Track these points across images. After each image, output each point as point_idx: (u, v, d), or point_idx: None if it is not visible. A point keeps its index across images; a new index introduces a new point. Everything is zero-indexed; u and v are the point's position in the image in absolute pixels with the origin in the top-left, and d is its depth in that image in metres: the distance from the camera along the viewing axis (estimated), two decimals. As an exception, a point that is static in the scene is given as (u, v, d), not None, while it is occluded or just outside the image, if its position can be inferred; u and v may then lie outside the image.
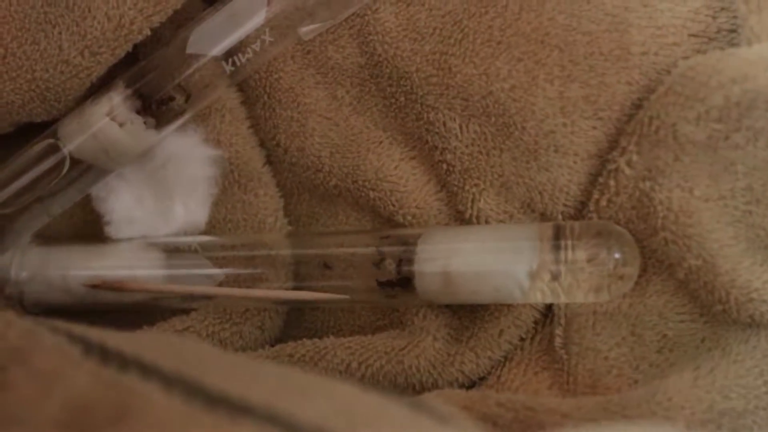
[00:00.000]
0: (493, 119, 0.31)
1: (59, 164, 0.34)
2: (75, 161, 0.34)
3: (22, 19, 0.33)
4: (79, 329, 0.21)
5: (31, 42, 0.33)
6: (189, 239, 0.35)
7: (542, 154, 0.31)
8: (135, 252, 0.34)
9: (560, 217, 0.32)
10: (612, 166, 0.30)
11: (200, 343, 0.31)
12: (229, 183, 0.35)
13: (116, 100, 0.33)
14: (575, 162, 0.31)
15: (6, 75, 0.33)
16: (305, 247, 0.34)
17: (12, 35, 0.33)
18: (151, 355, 0.20)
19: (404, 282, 0.31)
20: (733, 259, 0.28)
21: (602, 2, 0.30)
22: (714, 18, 0.30)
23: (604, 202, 0.30)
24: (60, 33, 0.33)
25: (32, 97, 0.34)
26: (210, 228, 0.35)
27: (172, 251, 0.35)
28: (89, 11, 0.33)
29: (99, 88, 0.34)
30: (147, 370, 0.19)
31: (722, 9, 0.30)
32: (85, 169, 0.34)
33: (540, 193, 0.32)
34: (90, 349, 0.20)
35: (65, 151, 0.34)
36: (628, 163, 0.30)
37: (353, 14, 0.34)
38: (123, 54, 0.34)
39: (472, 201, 0.33)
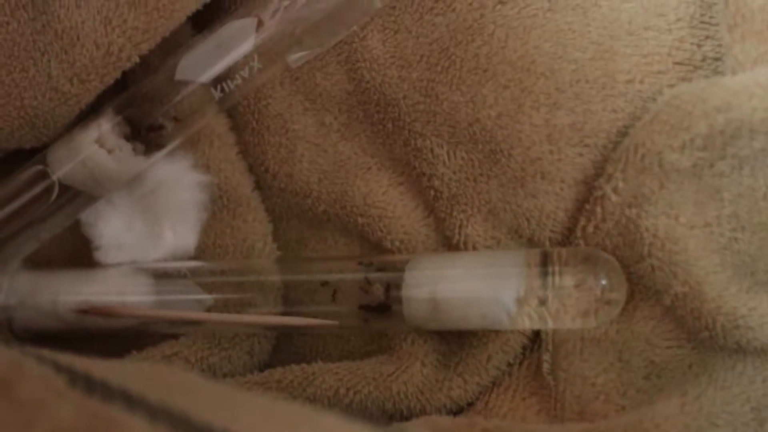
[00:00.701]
0: (480, 146, 0.31)
1: (48, 190, 0.34)
2: (64, 187, 0.34)
3: (11, 46, 0.33)
4: (66, 359, 0.21)
5: (20, 69, 0.33)
6: (178, 264, 0.35)
7: (529, 180, 0.31)
8: (124, 277, 0.34)
9: (547, 243, 0.32)
10: (598, 193, 0.30)
11: (187, 371, 0.31)
12: (218, 208, 0.35)
13: (105, 127, 0.33)
14: (562, 189, 0.31)
15: None
16: (294, 273, 0.34)
17: (1, 63, 0.33)
18: (137, 385, 0.20)
19: (391, 308, 0.30)
20: (719, 285, 0.28)
21: (588, 30, 0.31)
22: (699, 46, 0.30)
23: (590, 229, 0.30)
24: (49, 60, 0.33)
25: (21, 123, 0.34)
26: (199, 253, 0.35)
27: (161, 276, 0.34)
28: (78, 39, 0.33)
29: (88, 114, 0.34)
30: (132, 401, 0.19)
31: (707, 37, 0.30)
32: (74, 195, 0.34)
33: (527, 219, 0.32)
34: (75, 379, 0.20)
35: (54, 177, 0.34)
36: (614, 190, 0.30)
37: (341, 42, 0.34)
38: (112, 81, 0.34)
39: (460, 227, 0.33)
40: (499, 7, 0.32)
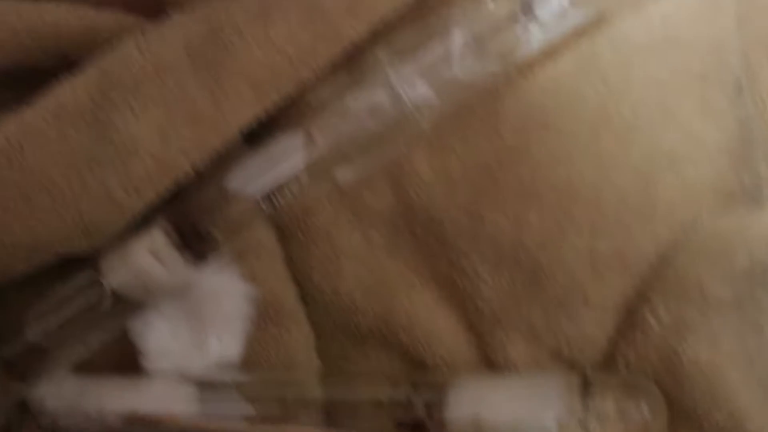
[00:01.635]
0: (523, 268, 0.32)
1: (100, 298, 0.35)
2: (115, 294, 0.34)
3: (70, 155, 0.34)
4: None
5: (77, 178, 0.34)
6: (222, 374, 0.36)
7: (571, 304, 0.32)
8: (169, 386, 0.35)
9: (588, 367, 0.33)
10: (640, 320, 0.31)
11: None
12: (263, 320, 0.36)
13: (157, 236, 0.34)
14: (603, 314, 0.32)
15: (52, 210, 0.34)
16: (336, 388, 0.34)
17: (60, 172, 0.34)
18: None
19: (432, 428, 0.31)
20: (761, 418, 0.29)
21: (630, 158, 0.31)
22: (739, 177, 0.31)
23: (631, 355, 0.31)
24: (106, 171, 0.34)
25: (76, 231, 0.34)
26: (243, 363, 0.36)
27: (206, 386, 0.35)
28: (135, 151, 0.34)
29: (141, 222, 0.35)
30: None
31: (747, 169, 0.31)
32: (125, 302, 0.35)
33: (568, 343, 0.32)
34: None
35: (106, 285, 0.35)
36: (656, 318, 0.30)
37: (389, 160, 0.34)
38: (166, 192, 0.34)
39: (502, 347, 0.33)
40: (543, 132, 0.33)
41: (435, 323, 0.34)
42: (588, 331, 0.32)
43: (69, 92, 0.34)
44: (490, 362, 0.34)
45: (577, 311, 0.32)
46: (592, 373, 0.32)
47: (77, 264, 0.35)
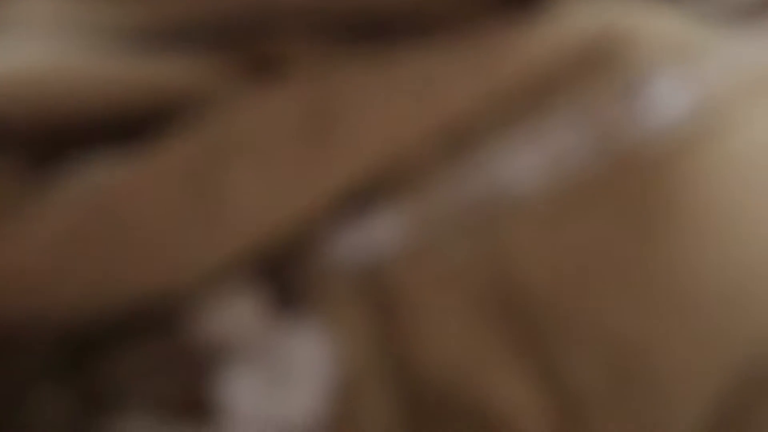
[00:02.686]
0: (623, 361, 0.32)
1: (184, 349, 0.36)
2: (199, 347, 0.36)
3: (173, 215, 0.35)
4: None
5: (176, 235, 0.35)
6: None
7: (669, 402, 0.33)
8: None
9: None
10: (738, 418, 0.31)
11: None
12: (348, 386, 0.36)
13: (250, 293, 0.35)
14: (700, 411, 0.32)
15: (148, 264, 0.35)
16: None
17: (161, 230, 0.35)
18: None
19: None
20: None
21: (752, 262, 0.32)
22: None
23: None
24: (206, 230, 0.35)
25: (170, 284, 0.35)
26: (323, 428, 0.36)
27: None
28: (235, 211, 0.35)
29: (235, 279, 0.35)
30: None
31: None
32: (209, 353, 0.36)
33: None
34: None
35: (192, 337, 0.36)
36: (757, 427, 0.30)
37: (490, 235, 0.34)
38: (262, 251, 0.35)
39: (591, 436, 0.33)
40: (658, 224, 0.33)
41: (524, 408, 0.34)
42: (682, 426, 0.32)
43: (175, 148, 0.34)
44: (579, 452, 0.33)
45: (675, 409, 0.32)
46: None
47: (163, 315, 0.35)
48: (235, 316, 0.34)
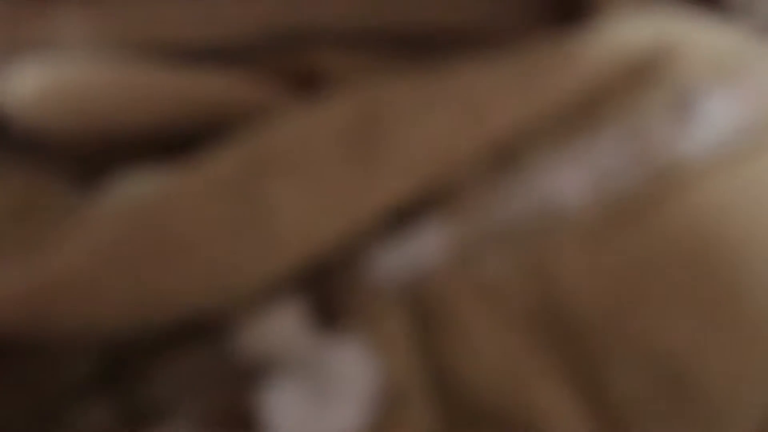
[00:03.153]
0: (667, 376, 0.32)
1: (228, 362, 0.36)
2: (241, 361, 0.36)
3: (216, 224, 0.35)
4: None
5: (220, 246, 0.35)
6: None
7: (713, 418, 0.32)
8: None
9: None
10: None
11: None
12: (388, 402, 0.36)
13: (292, 308, 0.35)
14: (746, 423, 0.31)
15: (192, 274, 0.35)
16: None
17: (204, 238, 0.35)
18: None
19: None
20: None
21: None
22: None
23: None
24: (248, 242, 0.35)
25: (213, 296, 0.36)
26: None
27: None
28: (280, 224, 0.35)
29: (276, 292, 0.35)
30: None
31: None
32: (250, 368, 0.36)
33: (700, 453, 0.32)
34: None
35: (234, 349, 0.36)
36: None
37: (535, 255, 0.34)
38: (304, 266, 0.35)
39: (631, 451, 0.32)
40: (702, 243, 0.34)
41: (568, 422, 0.33)
42: None
43: (220, 161, 0.35)
44: (621, 468, 0.33)
45: (718, 426, 0.31)
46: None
47: (209, 326, 0.36)
48: (280, 330, 0.35)
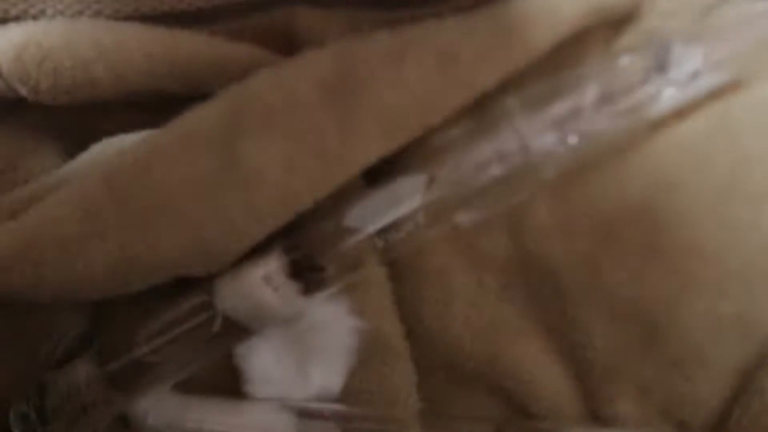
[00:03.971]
0: (638, 325, 0.32)
1: (210, 320, 0.35)
2: (225, 319, 0.35)
3: (197, 181, 0.34)
4: None
5: (202, 203, 0.34)
6: (322, 405, 0.36)
7: (686, 364, 0.32)
8: (270, 413, 0.36)
9: (698, 429, 0.32)
10: (757, 386, 0.31)
11: None
12: (367, 355, 0.36)
13: (272, 265, 0.35)
14: (719, 376, 0.32)
15: (174, 231, 0.34)
16: (434, 428, 0.34)
17: (185, 195, 0.34)
18: None
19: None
20: None
21: (758, 223, 0.32)
22: None
23: (745, 420, 0.31)
24: (230, 198, 0.34)
25: (194, 254, 0.35)
26: (343, 396, 0.36)
27: (305, 416, 0.35)
28: (260, 181, 0.34)
29: (257, 250, 0.35)
30: None
31: None
32: (234, 328, 0.35)
33: (680, 402, 0.32)
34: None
35: (217, 308, 0.35)
36: (775, 385, 0.30)
37: (509, 207, 0.35)
38: (285, 222, 0.34)
39: (610, 402, 0.33)
40: (670, 191, 0.33)
41: (542, 372, 0.34)
42: (701, 392, 0.32)
43: (200, 119, 0.34)
44: (597, 416, 0.33)
45: (692, 371, 0.32)
46: (703, 435, 0.31)
47: (191, 285, 0.36)
48: (257, 285, 0.35)
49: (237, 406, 0.36)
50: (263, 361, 0.36)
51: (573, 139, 0.33)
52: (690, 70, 0.32)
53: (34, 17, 0.37)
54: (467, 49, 0.33)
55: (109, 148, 0.37)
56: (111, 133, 0.38)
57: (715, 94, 0.33)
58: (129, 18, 0.38)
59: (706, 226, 0.33)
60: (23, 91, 0.36)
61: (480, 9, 0.34)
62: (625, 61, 0.33)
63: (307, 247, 0.35)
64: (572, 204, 0.34)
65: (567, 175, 0.34)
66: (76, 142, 0.39)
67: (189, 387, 0.38)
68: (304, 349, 0.36)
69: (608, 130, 0.33)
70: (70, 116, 0.38)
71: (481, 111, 0.35)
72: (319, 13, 0.37)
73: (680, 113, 0.34)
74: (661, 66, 0.32)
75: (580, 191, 0.34)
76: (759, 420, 0.31)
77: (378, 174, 0.36)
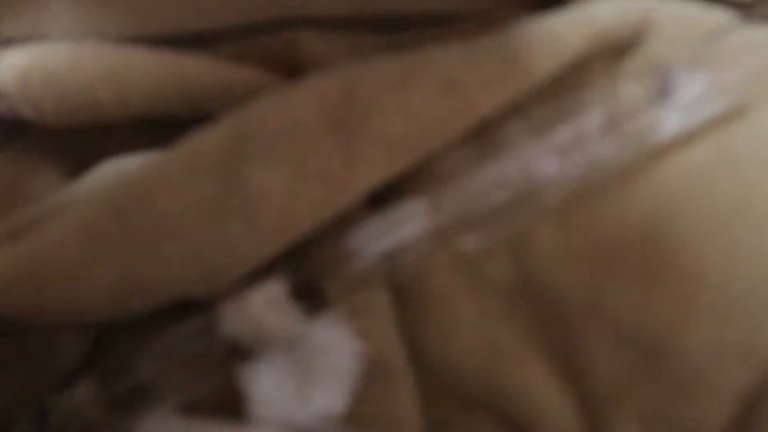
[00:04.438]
0: (642, 351, 0.32)
1: (212, 343, 0.35)
2: (227, 341, 0.35)
3: (201, 205, 0.34)
4: None
5: (205, 227, 0.34)
6: (325, 428, 0.36)
7: (689, 390, 0.32)
8: (271, 435, 0.35)
9: (700, 455, 0.32)
10: (759, 412, 0.31)
11: None
12: (371, 378, 0.36)
13: (274, 287, 0.35)
14: (721, 403, 0.32)
15: (177, 254, 0.34)
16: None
17: (189, 219, 0.34)
18: None
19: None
20: None
21: (760, 250, 0.33)
22: None
23: (748, 447, 0.30)
24: (233, 221, 0.34)
25: (197, 276, 0.35)
26: (346, 419, 0.36)
27: (307, 438, 0.34)
28: (263, 205, 0.34)
29: (260, 272, 0.35)
30: None
31: None
32: (235, 349, 0.35)
33: (682, 428, 0.33)
34: None
35: (219, 330, 0.35)
36: (778, 414, 0.30)
37: (512, 232, 0.35)
38: (287, 245, 0.35)
39: (613, 427, 0.33)
40: (672, 218, 0.33)
41: (545, 396, 0.34)
42: (704, 418, 0.33)
43: (203, 142, 0.35)
44: (599, 441, 0.33)
45: (695, 397, 0.32)
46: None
47: (193, 308, 0.36)
48: (263, 310, 0.35)
49: (239, 430, 0.36)
50: (265, 384, 0.36)
51: (576, 165, 0.33)
52: (693, 96, 0.32)
53: (39, 40, 0.37)
54: (470, 75, 0.33)
55: (112, 171, 0.37)
56: (114, 155, 0.38)
57: (718, 121, 0.33)
58: (133, 41, 0.38)
59: (709, 253, 0.33)
60: (27, 113, 0.36)
61: (483, 35, 0.35)
62: (627, 87, 0.33)
63: (309, 270, 0.35)
64: (575, 230, 0.34)
65: (570, 201, 0.35)
66: (78, 164, 0.39)
67: (190, 410, 0.38)
68: (306, 373, 0.36)
69: (611, 156, 0.33)
70: (72, 138, 0.38)
71: (484, 136, 0.36)
72: (322, 37, 0.38)
73: (683, 140, 0.34)
74: (663, 92, 0.32)
75: (583, 217, 0.34)
76: (762, 447, 0.31)
77: (381, 198, 0.36)
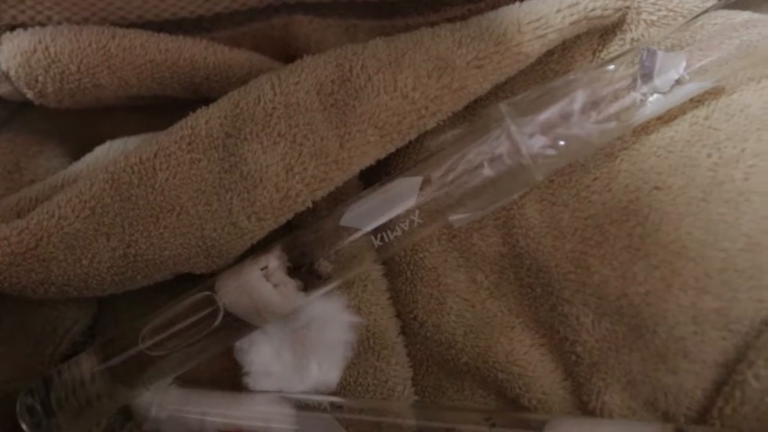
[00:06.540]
0: (625, 320, 0.33)
1: (212, 315, 0.36)
2: (227, 314, 0.36)
3: (200, 182, 0.35)
4: None
5: (204, 203, 0.35)
6: (320, 398, 0.37)
7: (671, 358, 0.33)
8: (269, 405, 0.37)
9: (682, 419, 0.34)
10: (739, 377, 0.32)
11: None
12: (364, 349, 0.37)
13: (272, 263, 0.35)
14: (702, 369, 0.33)
15: (178, 230, 0.35)
16: (429, 419, 0.36)
17: (188, 195, 0.35)
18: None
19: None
20: None
21: (739, 223, 0.33)
22: None
23: (728, 411, 0.32)
24: (232, 198, 0.35)
25: (198, 252, 0.36)
26: (341, 389, 0.37)
27: (303, 408, 0.36)
28: (261, 181, 0.35)
29: (258, 248, 0.36)
30: None
31: None
32: (235, 322, 0.36)
33: (665, 394, 0.34)
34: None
35: (220, 304, 0.36)
36: (755, 377, 0.32)
37: (500, 207, 0.36)
38: (285, 221, 0.36)
39: (598, 394, 0.35)
40: (654, 192, 0.34)
41: (532, 365, 0.35)
42: (685, 384, 0.33)
43: (203, 122, 0.35)
44: (585, 407, 0.35)
45: (676, 364, 0.33)
46: (687, 425, 0.33)
47: (193, 281, 0.37)
48: (258, 282, 0.35)
49: (237, 399, 0.37)
50: (263, 355, 0.37)
51: (562, 143, 0.33)
52: (674, 77, 0.33)
53: (42, 23, 0.38)
54: (460, 57, 0.34)
55: (114, 150, 0.37)
56: (115, 135, 0.39)
57: (697, 100, 0.34)
58: (133, 25, 0.39)
59: (689, 225, 0.34)
60: (30, 95, 0.37)
61: (472, 18, 0.35)
62: (611, 68, 0.34)
63: (305, 245, 0.36)
64: (561, 204, 0.35)
65: (556, 177, 0.36)
66: (80, 144, 0.39)
67: (191, 380, 0.39)
68: (303, 344, 0.37)
69: (595, 134, 0.33)
70: (74, 119, 0.39)
71: (474, 115, 0.37)
72: (316, 22, 0.38)
73: (664, 118, 0.35)
74: (646, 73, 0.33)
75: (569, 192, 0.35)
76: (741, 409, 0.32)
77: (375, 175, 0.37)
